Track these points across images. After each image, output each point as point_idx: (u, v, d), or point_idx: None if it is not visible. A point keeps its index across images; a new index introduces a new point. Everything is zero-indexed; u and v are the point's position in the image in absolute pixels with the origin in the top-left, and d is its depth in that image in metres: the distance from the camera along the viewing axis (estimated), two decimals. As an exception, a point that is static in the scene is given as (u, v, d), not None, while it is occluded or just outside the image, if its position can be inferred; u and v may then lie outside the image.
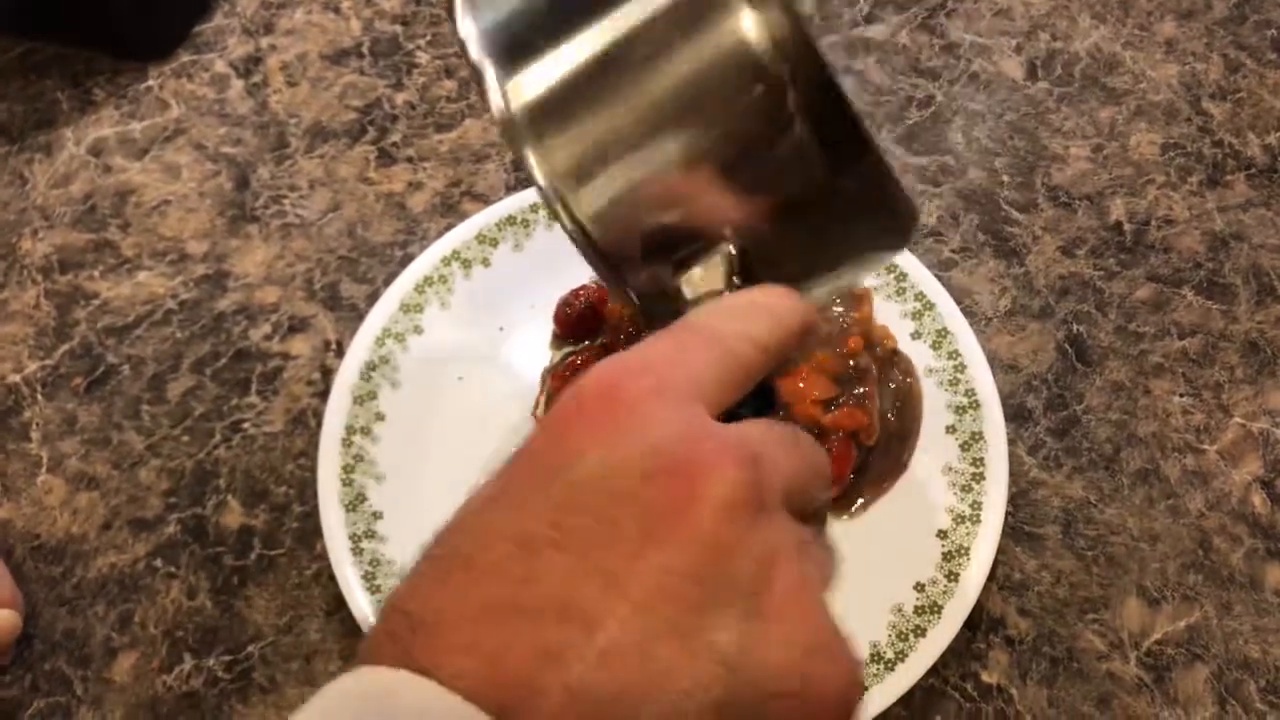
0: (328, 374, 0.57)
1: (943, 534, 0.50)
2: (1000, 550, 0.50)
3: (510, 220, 0.59)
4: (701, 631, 0.24)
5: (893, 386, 0.54)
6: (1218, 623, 0.50)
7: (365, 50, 0.71)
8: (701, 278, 0.31)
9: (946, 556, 0.49)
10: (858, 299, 0.54)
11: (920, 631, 0.47)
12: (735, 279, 0.31)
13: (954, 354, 0.54)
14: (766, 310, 0.30)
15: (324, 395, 0.56)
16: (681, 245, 0.31)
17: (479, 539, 0.26)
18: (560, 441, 0.26)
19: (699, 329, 0.29)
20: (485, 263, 0.58)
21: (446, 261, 0.58)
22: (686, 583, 0.24)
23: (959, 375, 0.53)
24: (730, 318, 0.29)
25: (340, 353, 0.58)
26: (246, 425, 0.56)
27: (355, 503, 0.51)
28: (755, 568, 0.25)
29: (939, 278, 0.56)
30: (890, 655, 0.46)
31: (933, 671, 0.47)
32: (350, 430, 0.53)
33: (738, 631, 0.24)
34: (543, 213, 0.59)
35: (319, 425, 0.54)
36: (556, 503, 0.25)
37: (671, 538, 0.24)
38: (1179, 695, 0.48)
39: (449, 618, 0.24)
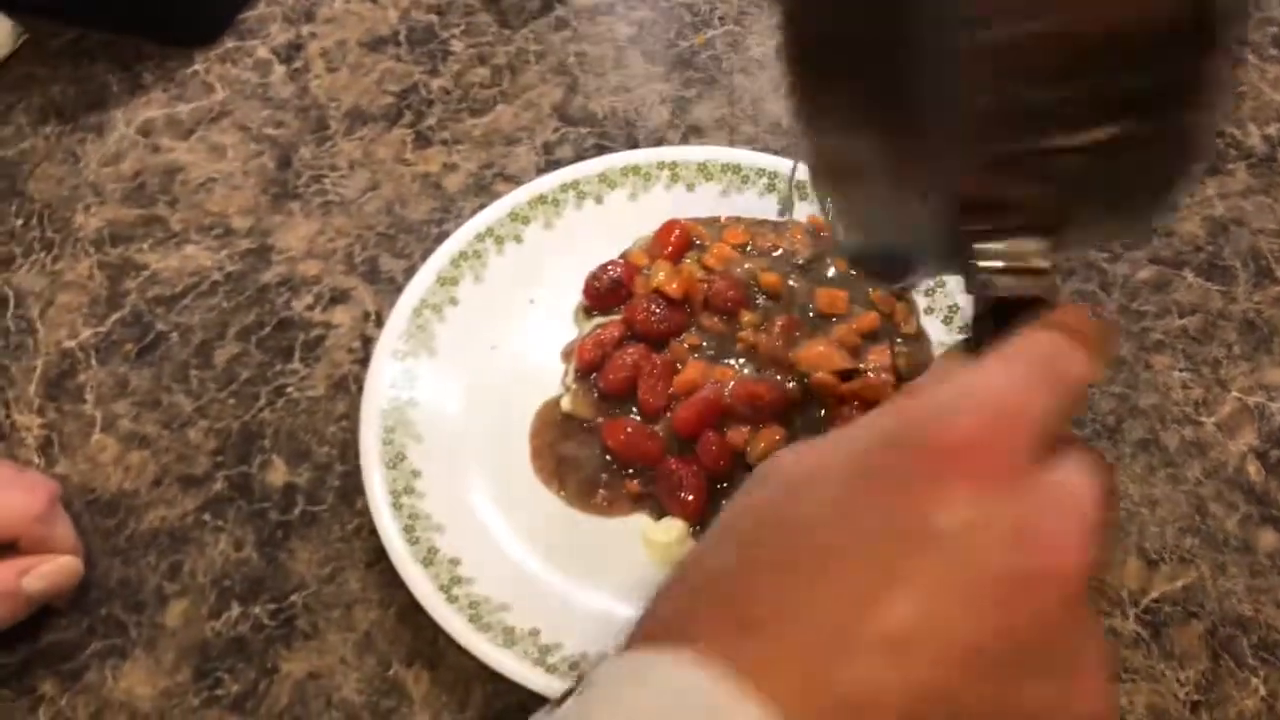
0: (367, 342, 0.60)
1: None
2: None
3: (541, 199, 0.62)
4: (1018, 691, 0.25)
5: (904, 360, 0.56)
6: (1213, 583, 0.52)
7: (402, 38, 0.74)
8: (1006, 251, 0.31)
9: None
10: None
11: None
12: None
13: (965, 328, 0.56)
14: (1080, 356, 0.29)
15: (364, 362, 0.59)
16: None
17: (826, 557, 0.26)
18: (934, 482, 0.26)
19: (1049, 374, 0.28)
20: (518, 239, 0.61)
21: (481, 238, 0.60)
22: (1016, 650, 0.25)
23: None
24: (1065, 361, 0.29)
25: (379, 323, 0.61)
26: (290, 389, 0.59)
27: (395, 460, 0.54)
28: (1074, 647, 0.26)
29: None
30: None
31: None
32: (390, 394, 0.55)
33: (1050, 692, 0.26)
34: (572, 193, 0.62)
35: (359, 390, 0.57)
36: (914, 544, 0.26)
37: (1016, 607, 0.25)
38: (1175, 650, 0.50)
39: (786, 629, 0.25)
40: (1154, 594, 0.52)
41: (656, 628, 0.27)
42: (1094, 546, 0.26)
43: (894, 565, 0.25)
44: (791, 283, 0.58)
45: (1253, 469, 0.55)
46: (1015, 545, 0.25)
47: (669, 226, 0.59)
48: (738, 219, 0.61)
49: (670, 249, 0.58)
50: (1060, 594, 0.26)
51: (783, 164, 0.63)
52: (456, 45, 0.73)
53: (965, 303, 0.57)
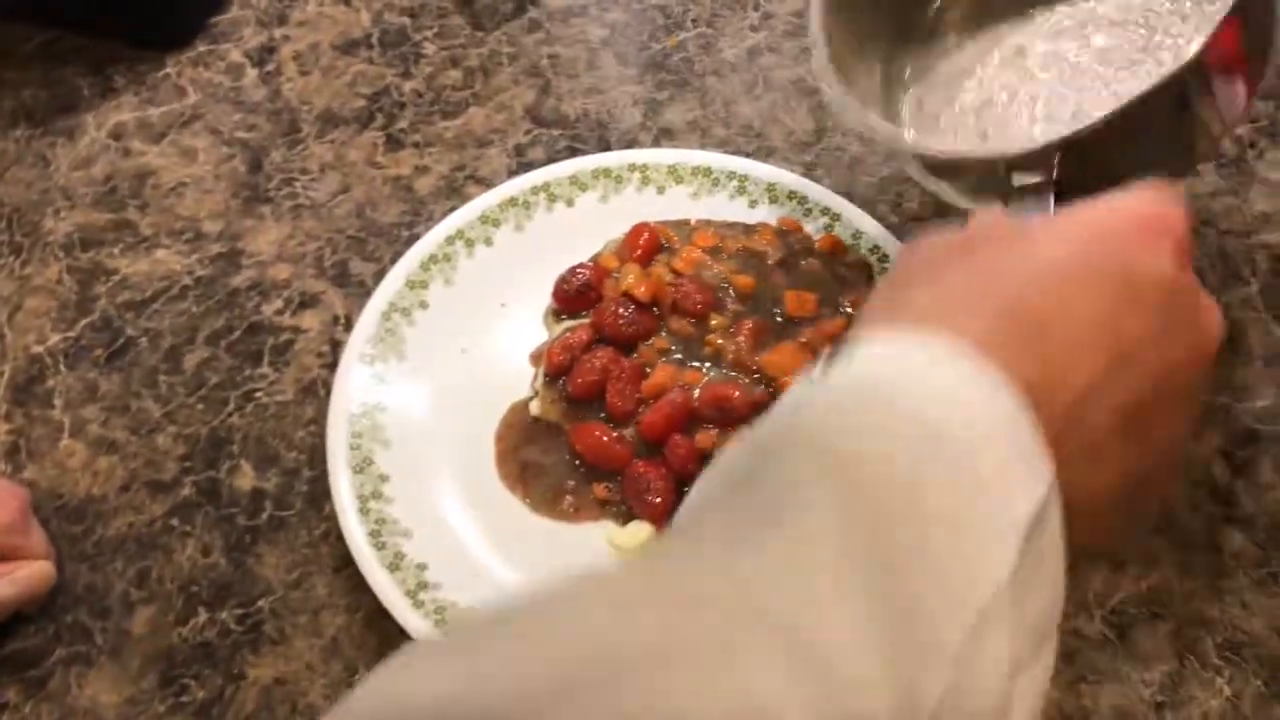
0: (336, 347, 0.60)
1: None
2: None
3: (512, 202, 0.62)
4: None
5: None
6: (1179, 584, 0.52)
7: (374, 41, 0.74)
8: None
9: None
10: None
11: None
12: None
13: None
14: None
15: (333, 367, 0.59)
16: None
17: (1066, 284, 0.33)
18: (1124, 245, 0.33)
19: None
20: (488, 242, 0.61)
21: (451, 240, 0.60)
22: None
23: None
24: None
25: (349, 327, 0.60)
26: (259, 394, 0.59)
27: (362, 465, 0.54)
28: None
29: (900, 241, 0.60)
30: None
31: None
32: (358, 398, 0.55)
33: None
34: (543, 195, 0.62)
35: (328, 394, 0.57)
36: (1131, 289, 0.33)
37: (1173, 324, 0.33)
38: (1140, 651, 0.51)
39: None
40: (1120, 595, 0.52)
41: (919, 315, 0.32)
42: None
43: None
44: (760, 285, 0.58)
45: (1219, 470, 0.55)
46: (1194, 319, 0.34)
47: (638, 229, 0.59)
48: (708, 222, 0.61)
49: (639, 252, 0.58)
50: (1204, 357, 0.34)
51: (754, 167, 0.63)
52: (429, 47, 0.73)
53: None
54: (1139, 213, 0.34)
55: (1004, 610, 0.26)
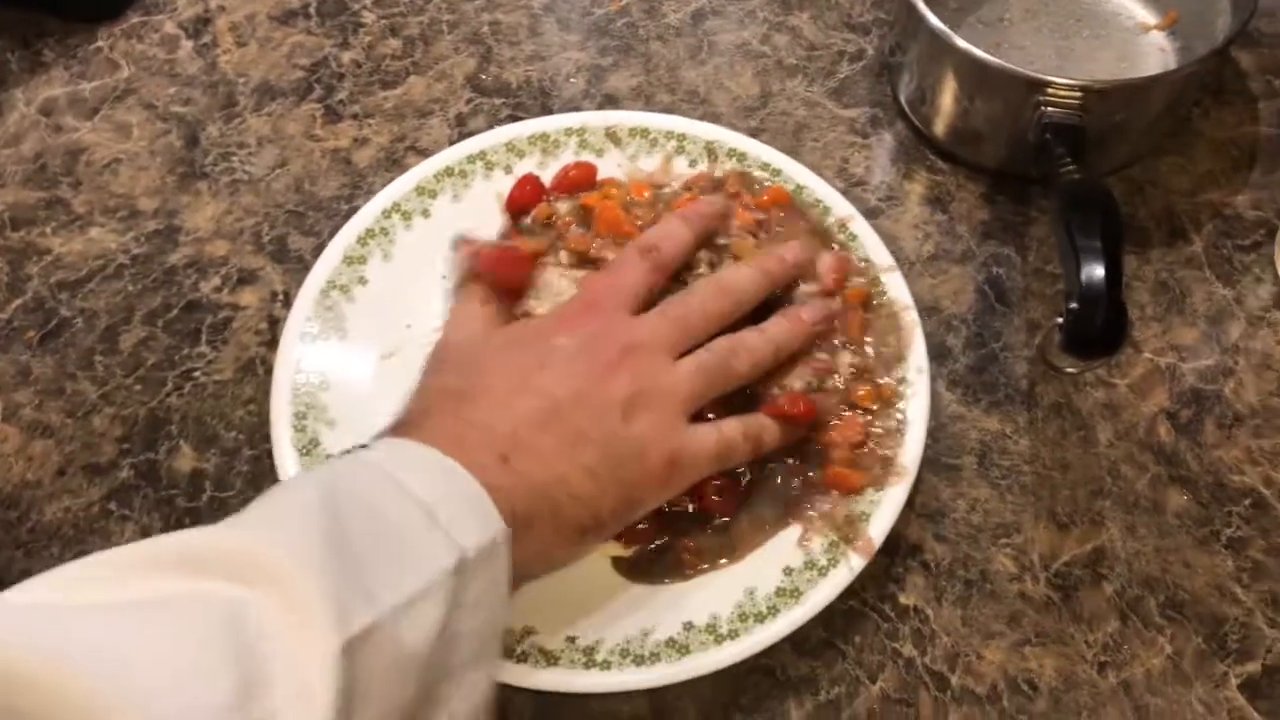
0: (275, 324, 0.59)
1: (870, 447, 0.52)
2: (918, 480, 0.52)
3: (448, 171, 0.60)
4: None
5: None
6: (1122, 544, 0.52)
7: (312, 10, 0.72)
8: None
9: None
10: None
11: (864, 517, 0.50)
12: None
13: (875, 280, 0.56)
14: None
15: (272, 344, 0.58)
16: None
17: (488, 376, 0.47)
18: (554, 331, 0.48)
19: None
20: (425, 214, 0.60)
21: (387, 214, 0.59)
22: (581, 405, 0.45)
23: (881, 300, 0.56)
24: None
25: (288, 303, 0.59)
26: (197, 374, 0.58)
27: (309, 448, 0.53)
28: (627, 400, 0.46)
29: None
30: (824, 562, 0.49)
31: (852, 594, 0.50)
32: (300, 378, 0.54)
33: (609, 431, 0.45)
34: (480, 164, 0.61)
35: (267, 373, 0.56)
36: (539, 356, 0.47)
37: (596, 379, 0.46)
38: (1084, 612, 0.51)
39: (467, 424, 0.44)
40: (1064, 558, 0.52)
41: (404, 426, 0.44)
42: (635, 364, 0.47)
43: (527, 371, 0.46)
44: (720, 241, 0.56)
45: (1163, 429, 0.55)
46: (590, 349, 0.47)
47: (565, 168, 0.59)
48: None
49: (566, 183, 0.58)
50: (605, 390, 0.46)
51: (692, 125, 0.62)
52: (368, 16, 0.72)
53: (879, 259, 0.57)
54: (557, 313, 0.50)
55: (441, 594, 0.36)
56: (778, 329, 0.51)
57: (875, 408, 0.52)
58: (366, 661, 0.34)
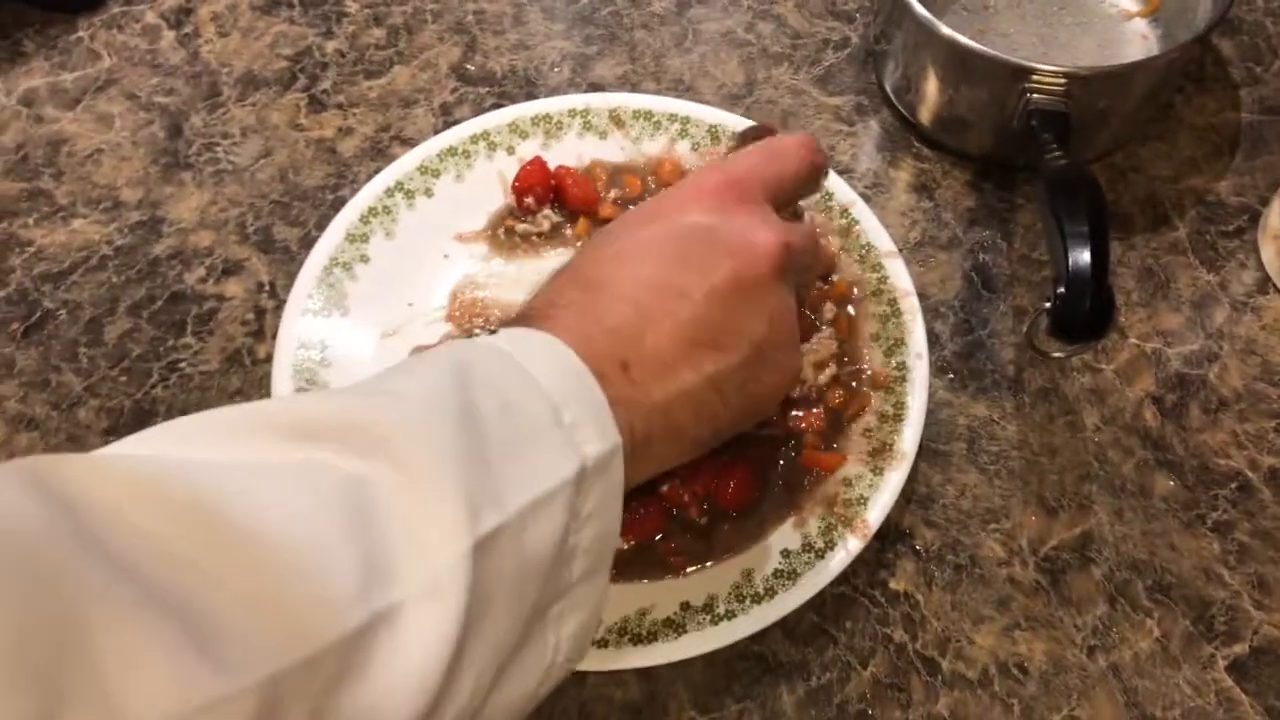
0: (261, 314, 0.59)
1: (868, 432, 0.52)
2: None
3: (451, 151, 0.60)
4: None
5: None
6: (1110, 529, 0.53)
7: (295, 0, 0.72)
8: None
9: (873, 453, 0.52)
10: None
11: (862, 501, 0.50)
12: None
13: (878, 266, 0.56)
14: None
15: (258, 335, 0.58)
16: None
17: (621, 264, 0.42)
18: (672, 207, 0.43)
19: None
20: (428, 193, 0.59)
21: (390, 193, 0.59)
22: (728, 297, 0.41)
23: (882, 286, 0.56)
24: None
25: (273, 293, 0.59)
26: (183, 365, 0.58)
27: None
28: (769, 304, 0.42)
29: (853, 213, 0.59)
30: (820, 545, 0.49)
31: (843, 579, 0.50)
32: (302, 354, 0.54)
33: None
34: (483, 144, 0.60)
35: (254, 364, 0.56)
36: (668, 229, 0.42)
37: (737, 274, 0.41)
38: (1073, 596, 0.51)
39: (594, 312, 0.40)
40: (1053, 542, 0.52)
41: (532, 316, 0.40)
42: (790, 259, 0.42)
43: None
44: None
45: (1149, 414, 0.56)
46: (736, 239, 0.41)
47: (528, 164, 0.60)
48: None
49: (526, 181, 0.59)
50: (755, 276, 0.41)
51: (696, 109, 0.62)
52: (351, 6, 0.72)
53: (879, 243, 0.57)
54: (697, 180, 0.44)
55: (562, 503, 0.34)
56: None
57: (840, 399, 0.53)
58: (493, 565, 0.31)
